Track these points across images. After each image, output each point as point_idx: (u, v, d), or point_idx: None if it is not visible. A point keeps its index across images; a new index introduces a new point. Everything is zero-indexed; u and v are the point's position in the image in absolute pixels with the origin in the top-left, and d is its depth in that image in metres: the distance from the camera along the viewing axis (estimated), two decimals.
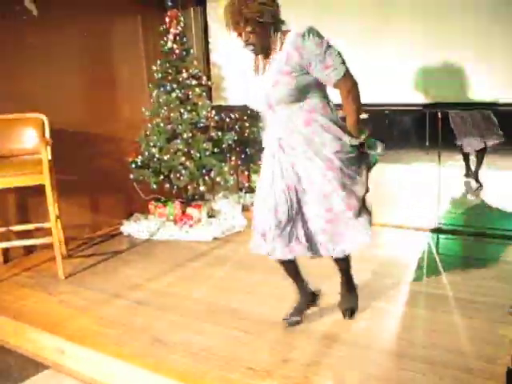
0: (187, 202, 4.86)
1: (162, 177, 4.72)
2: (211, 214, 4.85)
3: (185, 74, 4.83)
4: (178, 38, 4.81)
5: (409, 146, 6.23)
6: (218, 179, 4.79)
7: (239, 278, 3.72)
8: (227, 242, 4.44)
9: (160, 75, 4.84)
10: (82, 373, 2.93)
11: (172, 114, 4.75)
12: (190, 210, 4.78)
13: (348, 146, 2.61)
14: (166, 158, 4.67)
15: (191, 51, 4.97)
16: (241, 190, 5.52)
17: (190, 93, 4.85)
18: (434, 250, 4.05)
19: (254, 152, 5.58)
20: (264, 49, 2.60)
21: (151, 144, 4.78)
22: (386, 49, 4.21)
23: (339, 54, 2.52)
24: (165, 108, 4.77)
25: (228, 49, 5.24)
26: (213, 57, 5.43)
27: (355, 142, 2.61)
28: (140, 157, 4.81)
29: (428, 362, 2.56)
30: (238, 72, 5.21)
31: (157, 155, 4.72)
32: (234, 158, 5.32)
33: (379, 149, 2.69)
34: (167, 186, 4.76)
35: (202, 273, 3.84)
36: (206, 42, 5.41)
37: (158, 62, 4.85)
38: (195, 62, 4.97)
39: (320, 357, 2.68)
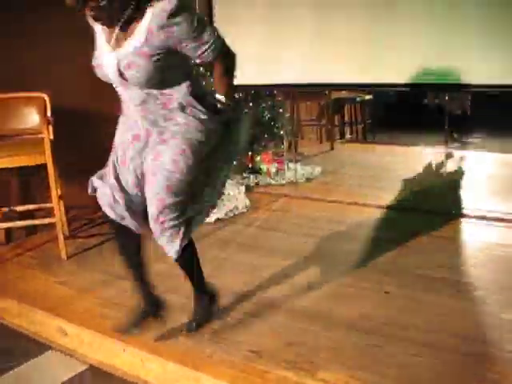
0: None
1: None
2: None
3: None
4: None
5: None
6: None
7: (242, 259, 3.70)
8: (230, 224, 4.40)
9: None
10: (84, 354, 2.93)
11: None
12: None
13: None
14: None
15: None
16: (244, 171, 5.47)
17: (195, 72, 4.78)
18: None
19: (258, 132, 5.55)
20: (113, 21, 2.16)
21: None
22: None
23: (213, 27, 2.27)
24: None
25: (232, 26, 5.18)
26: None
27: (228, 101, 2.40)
28: None
29: (429, 345, 2.54)
30: (242, 54, 5.21)
31: None
32: None
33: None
34: None
35: (205, 254, 3.75)
36: (210, 16, 5.32)
37: None
38: None
39: (324, 340, 2.66)
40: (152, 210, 2.37)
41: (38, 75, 4.09)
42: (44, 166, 3.67)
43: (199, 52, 2.21)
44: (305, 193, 5.07)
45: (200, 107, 2.32)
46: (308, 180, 5.47)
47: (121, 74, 2.18)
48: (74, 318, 3.05)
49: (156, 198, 2.34)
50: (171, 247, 2.46)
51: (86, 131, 4.49)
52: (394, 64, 4.24)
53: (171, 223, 2.39)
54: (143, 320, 2.75)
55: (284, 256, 3.67)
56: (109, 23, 2.17)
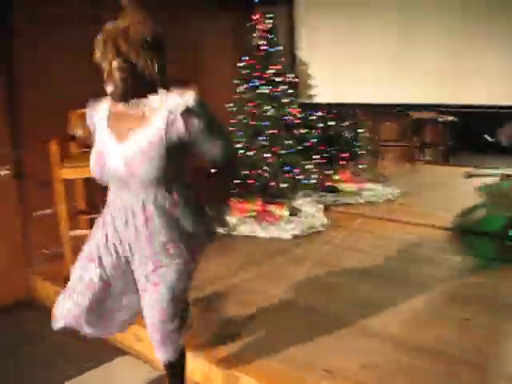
0: (269, 199, 4.85)
1: (244, 172, 4.74)
2: (292, 212, 4.81)
3: (271, 71, 4.83)
4: (265, 34, 4.83)
5: None
6: (300, 177, 4.76)
7: (318, 277, 3.67)
8: (307, 241, 4.39)
9: (246, 71, 4.87)
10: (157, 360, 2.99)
11: (257, 111, 4.77)
12: (271, 207, 4.77)
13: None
14: (249, 154, 4.69)
15: (278, 48, 4.96)
16: (323, 189, 5.45)
17: (276, 89, 4.85)
18: None
19: (338, 151, 5.54)
20: (125, 97, 1.97)
21: (235, 140, 4.81)
22: None
23: (223, 126, 2.19)
24: (250, 104, 4.79)
25: (315, 46, 5.23)
26: (299, 54, 5.41)
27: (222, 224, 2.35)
28: None
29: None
30: (324, 70, 5.27)
31: (240, 151, 4.74)
32: (317, 157, 5.26)
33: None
34: (249, 181, 4.77)
35: (281, 270, 3.82)
36: (293, 39, 5.40)
37: (245, 58, 4.88)
38: (282, 59, 4.96)
39: (399, 365, 2.60)
40: (153, 319, 2.22)
41: None
42: None
43: (210, 147, 2.06)
44: (384, 213, 4.99)
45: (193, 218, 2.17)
46: (387, 201, 5.38)
47: (129, 170, 1.97)
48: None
49: (158, 308, 2.19)
50: (166, 350, 2.30)
51: None
52: (483, 86, 4.16)
53: (173, 330, 2.26)
54: None
55: (360, 276, 3.63)
56: (117, 96, 1.98)
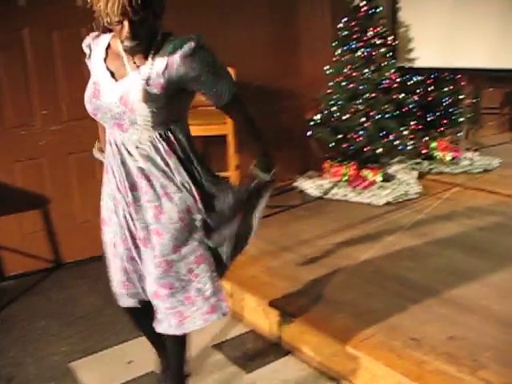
0: (363, 164, 4.80)
1: (339, 136, 4.71)
2: (386, 179, 4.76)
3: (370, 33, 4.73)
4: None
5: None
6: (396, 143, 4.68)
7: (409, 245, 3.64)
8: (400, 208, 4.33)
9: (345, 33, 4.79)
10: (247, 317, 3.12)
11: (355, 74, 4.70)
12: (365, 172, 4.73)
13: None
14: (345, 117, 4.65)
15: (378, 9, 4.83)
16: (418, 156, 5.33)
17: (375, 52, 4.75)
18: None
19: (436, 118, 5.38)
20: (141, 48, 1.87)
21: (331, 102, 4.78)
22: None
23: (225, 68, 2.00)
24: (348, 67, 4.73)
25: (416, 8, 5.05)
26: (400, 16, 5.24)
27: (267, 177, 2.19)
28: (319, 115, 4.84)
29: None
30: (425, 33, 5.08)
31: (336, 114, 4.71)
32: (414, 123, 5.14)
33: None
34: (344, 145, 4.74)
35: (372, 236, 3.81)
36: (394, 0, 5.23)
37: (344, 19, 4.80)
38: (382, 21, 4.84)
39: (489, 339, 2.55)
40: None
41: (226, 50, 4.29)
42: (225, 137, 3.87)
43: (216, 88, 1.94)
44: (480, 184, 4.83)
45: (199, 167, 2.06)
46: (485, 171, 5.19)
47: (125, 106, 1.89)
48: (241, 283, 3.23)
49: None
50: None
51: (265, 105, 4.64)
52: None
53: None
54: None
55: (452, 246, 3.56)
56: (142, 48, 1.88)
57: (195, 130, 3.84)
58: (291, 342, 2.86)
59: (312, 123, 4.83)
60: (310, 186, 4.83)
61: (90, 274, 3.91)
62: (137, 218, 2.02)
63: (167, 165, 1.96)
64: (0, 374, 2.82)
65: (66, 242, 4.15)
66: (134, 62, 1.90)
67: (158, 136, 1.94)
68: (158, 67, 1.86)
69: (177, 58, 1.84)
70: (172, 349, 2.30)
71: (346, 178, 4.78)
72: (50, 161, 3.99)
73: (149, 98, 1.85)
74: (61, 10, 3.72)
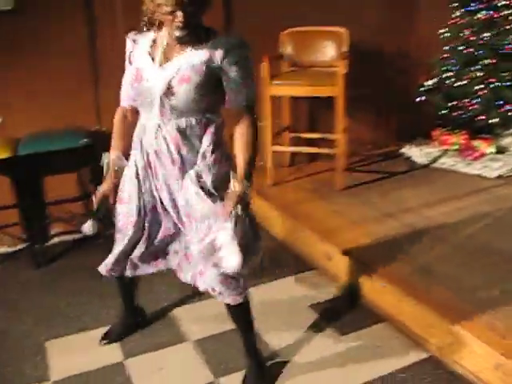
0: (474, 134, 4.61)
1: (451, 104, 4.54)
2: (499, 150, 4.54)
3: None
4: None
5: None
6: None
7: None
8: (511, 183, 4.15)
9: None
10: (344, 279, 3.14)
11: (473, 38, 4.47)
12: (476, 143, 4.54)
13: None
14: (459, 84, 4.46)
15: None
16: None
17: (497, 15, 4.47)
18: None
19: None
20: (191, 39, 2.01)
21: (445, 68, 4.59)
22: None
23: (254, 75, 2.14)
24: (466, 30, 4.50)
25: None
26: None
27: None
28: (431, 80, 4.67)
29: None
30: None
31: (450, 80, 4.52)
32: None
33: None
34: (456, 114, 4.56)
35: (480, 209, 3.67)
36: None
37: None
38: None
39: None
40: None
41: (338, 12, 4.22)
42: (333, 99, 3.84)
43: (242, 88, 2.05)
44: None
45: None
46: None
47: (168, 90, 2.01)
48: (340, 245, 3.23)
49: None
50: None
51: (376, 68, 4.55)
52: None
53: None
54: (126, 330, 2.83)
55: None
56: (188, 39, 2.00)
57: (304, 91, 3.92)
58: (388, 309, 2.85)
59: (423, 89, 4.67)
60: (418, 153, 4.70)
61: None
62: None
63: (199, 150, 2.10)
64: None
65: None
66: (178, 52, 2.04)
67: (195, 122, 2.07)
68: (202, 56, 1.99)
69: (220, 51, 1.98)
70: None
71: (455, 147, 4.61)
72: None
73: (191, 83, 1.98)
74: None
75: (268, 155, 4.06)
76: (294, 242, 3.59)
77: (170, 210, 2.23)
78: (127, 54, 2.19)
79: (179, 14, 1.88)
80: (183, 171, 2.13)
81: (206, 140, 2.11)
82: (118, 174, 2.26)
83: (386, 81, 4.68)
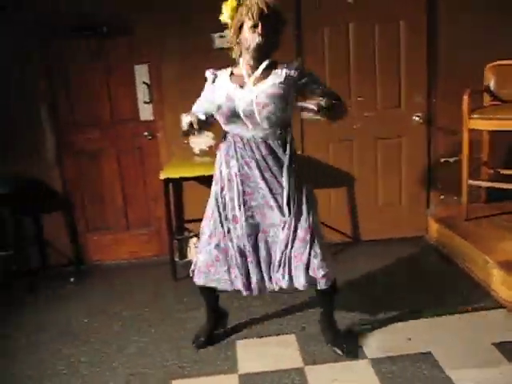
0: None
1: None
2: None
3: None
4: None
5: None
6: None
7: None
8: None
9: None
10: None
11: None
12: None
13: None
14: None
15: None
16: None
17: None
18: None
19: None
20: (264, 55, 2.54)
21: None
22: None
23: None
24: None
25: None
26: None
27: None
28: None
29: None
30: None
31: None
32: None
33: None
34: None
35: None
36: None
37: None
38: None
39: None
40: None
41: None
42: None
43: (321, 88, 2.59)
44: None
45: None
46: None
47: (256, 106, 2.50)
48: None
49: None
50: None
51: None
52: None
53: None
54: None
55: None
56: (261, 53, 2.52)
57: (503, 125, 3.75)
58: None
59: None
60: None
61: (384, 252, 4.20)
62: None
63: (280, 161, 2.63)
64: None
65: (365, 221, 4.46)
66: (253, 76, 2.57)
67: (275, 135, 2.59)
68: (280, 77, 2.53)
69: (292, 70, 2.55)
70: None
71: None
72: (360, 144, 4.33)
73: (273, 98, 2.49)
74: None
75: (464, 189, 4.01)
76: (485, 279, 3.50)
77: None
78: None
79: (260, 24, 2.43)
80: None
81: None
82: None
83: None
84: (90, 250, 4.54)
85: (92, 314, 3.62)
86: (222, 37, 3.97)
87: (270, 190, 2.63)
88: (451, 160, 4.34)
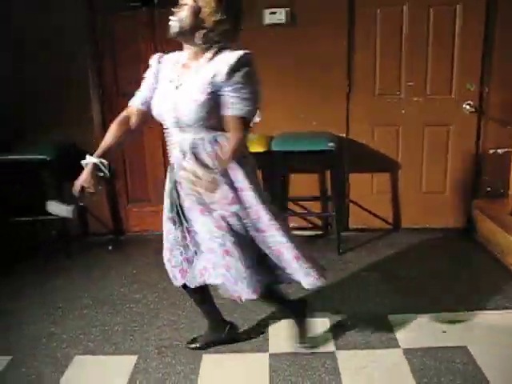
0: None
1: None
2: None
3: None
4: None
5: None
6: None
7: None
8: None
9: None
10: None
11: None
12: None
13: None
14: None
15: None
16: None
17: None
18: None
19: None
20: (182, 35, 2.24)
21: None
22: None
23: (259, 90, 2.21)
24: None
25: None
26: None
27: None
28: None
29: None
30: None
31: None
32: None
33: None
34: None
35: None
36: None
37: None
38: None
39: None
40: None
41: None
42: None
43: (233, 101, 2.15)
44: None
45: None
46: None
47: (178, 111, 2.21)
48: None
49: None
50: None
51: None
52: None
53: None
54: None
55: None
56: (177, 30, 2.24)
57: None
58: None
59: None
60: None
61: (424, 241, 4.12)
62: None
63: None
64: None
65: (407, 208, 4.39)
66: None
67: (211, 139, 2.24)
68: (207, 77, 2.16)
69: (224, 70, 2.12)
70: None
71: None
72: (407, 129, 4.24)
73: (195, 102, 2.15)
74: None
75: (511, 182, 3.89)
76: None
77: None
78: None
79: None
80: None
81: None
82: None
83: None
84: (129, 221, 4.59)
85: (128, 283, 3.67)
86: (272, 13, 3.93)
87: None
88: (500, 151, 4.21)
